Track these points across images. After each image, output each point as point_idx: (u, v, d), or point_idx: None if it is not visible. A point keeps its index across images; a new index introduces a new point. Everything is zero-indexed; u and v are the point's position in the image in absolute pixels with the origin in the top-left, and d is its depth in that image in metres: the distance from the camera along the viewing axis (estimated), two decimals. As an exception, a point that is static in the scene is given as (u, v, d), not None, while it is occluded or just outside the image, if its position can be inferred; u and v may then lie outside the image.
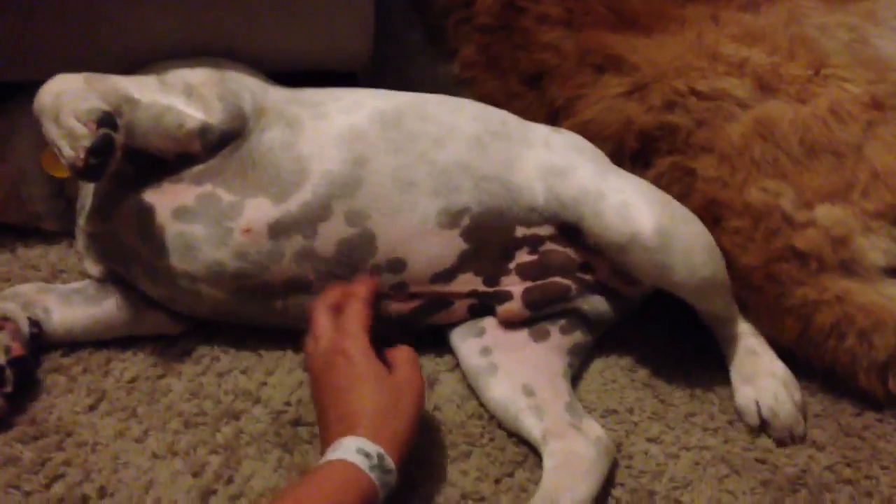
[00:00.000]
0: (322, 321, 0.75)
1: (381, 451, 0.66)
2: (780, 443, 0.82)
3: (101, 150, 0.68)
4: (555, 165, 0.83)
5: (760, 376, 0.83)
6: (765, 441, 0.82)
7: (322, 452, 0.69)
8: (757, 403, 0.82)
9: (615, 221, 0.78)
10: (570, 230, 0.82)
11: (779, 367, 0.84)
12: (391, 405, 0.70)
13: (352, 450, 0.65)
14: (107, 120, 0.69)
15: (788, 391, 0.82)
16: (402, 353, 0.75)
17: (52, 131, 0.70)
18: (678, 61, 0.91)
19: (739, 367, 0.84)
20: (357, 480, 0.64)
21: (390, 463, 0.66)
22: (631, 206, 0.78)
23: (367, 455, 0.65)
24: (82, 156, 0.67)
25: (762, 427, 0.82)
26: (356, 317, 0.75)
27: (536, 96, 1.01)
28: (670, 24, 0.95)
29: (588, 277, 0.85)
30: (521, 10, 1.04)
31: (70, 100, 0.70)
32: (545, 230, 0.83)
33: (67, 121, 0.68)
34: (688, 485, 0.78)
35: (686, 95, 0.89)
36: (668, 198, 0.83)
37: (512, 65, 1.04)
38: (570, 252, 0.84)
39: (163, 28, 0.84)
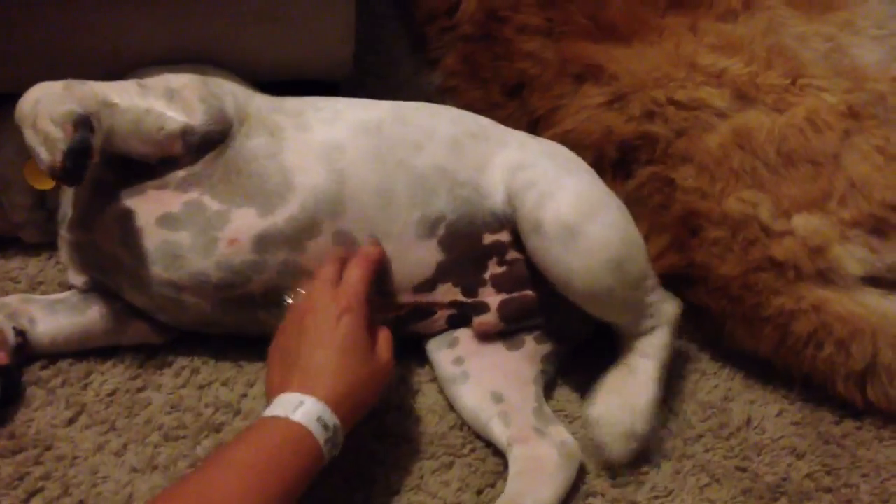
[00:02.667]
0: (331, 267, 0.75)
1: (339, 424, 0.66)
2: (602, 468, 0.79)
3: (77, 153, 0.68)
4: (518, 163, 0.82)
5: (616, 394, 0.80)
6: (745, 449, 0.82)
7: (270, 387, 0.69)
8: (596, 416, 0.79)
9: (530, 207, 0.78)
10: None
11: (641, 396, 0.79)
12: (364, 382, 0.70)
13: (313, 416, 0.65)
14: (83, 122, 0.69)
15: (632, 418, 0.78)
16: (382, 334, 0.75)
17: (30, 137, 0.70)
18: (657, 71, 0.91)
19: (608, 378, 0.81)
20: (309, 451, 0.64)
21: (341, 437, 0.67)
22: (551, 196, 0.77)
23: (326, 427, 0.65)
24: (59, 159, 0.68)
25: (592, 444, 0.79)
26: (364, 279, 0.74)
27: (518, 106, 1.02)
28: (649, 33, 0.96)
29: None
30: (502, 20, 1.04)
31: (47, 105, 0.70)
32: (505, 236, 0.83)
33: (44, 125, 0.69)
34: (669, 494, 0.79)
35: (665, 105, 0.89)
36: (609, 203, 0.80)
37: (493, 74, 1.05)
38: (525, 256, 0.83)
39: (146, 36, 0.84)
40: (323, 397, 0.66)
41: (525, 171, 0.81)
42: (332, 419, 0.66)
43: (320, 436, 0.65)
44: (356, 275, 0.74)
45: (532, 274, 0.84)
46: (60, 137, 0.68)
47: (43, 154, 0.69)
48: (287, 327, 0.73)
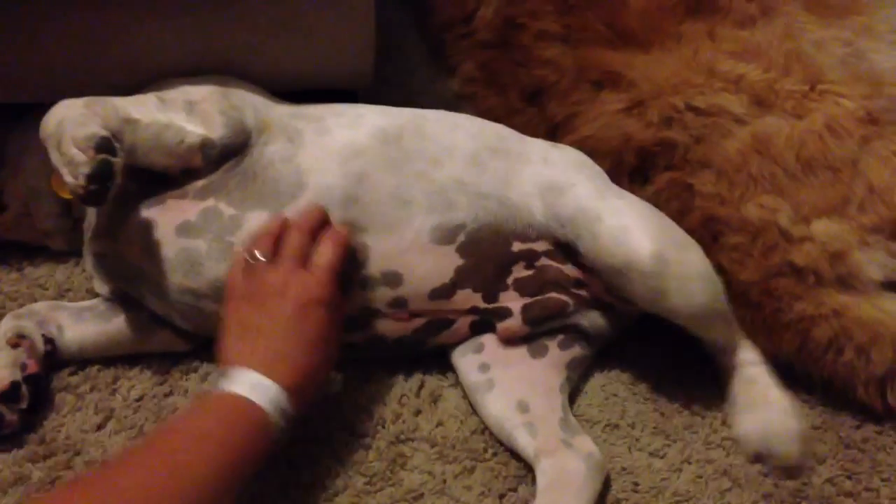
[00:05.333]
0: (298, 240, 0.74)
1: (294, 415, 0.68)
2: (780, 474, 0.80)
3: (99, 176, 0.70)
4: (553, 182, 0.84)
5: (758, 407, 0.82)
6: (765, 454, 0.83)
7: (225, 353, 0.69)
8: (755, 434, 0.81)
9: (611, 245, 0.79)
10: (565, 247, 0.83)
11: (777, 397, 0.82)
12: (322, 374, 0.72)
13: (276, 403, 0.66)
14: (104, 145, 0.70)
15: (786, 420, 0.81)
16: (340, 319, 0.75)
17: (55, 159, 0.72)
18: (675, 78, 0.91)
19: (738, 397, 0.83)
20: (267, 437, 0.66)
21: (291, 427, 0.68)
22: (628, 231, 0.79)
23: (285, 415, 0.67)
24: (82, 182, 0.69)
25: (759, 458, 0.81)
26: (335, 268, 0.74)
27: (536, 112, 1.02)
28: (667, 40, 0.96)
29: (583, 293, 0.85)
30: (519, 27, 1.05)
31: (70, 127, 0.71)
32: (541, 245, 0.84)
33: (68, 149, 0.70)
34: (690, 499, 0.79)
35: (683, 111, 0.89)
36: (666, 222, 0.83)
37: (511, 81, 1.05)
38: (565, 268, 0.84)
39: (169, 47, 0.85)
40: (284, 384, 0.67)
41: (567, 194, 0.82)
42: (291, 409, 0.67)
43: (278, 423, 0.66)
44: (328, 257, 0.74)
45: (563, 279, 0.85)
46: (83, 161, 0.69)
47: (67, 177, 0.70)
48: (246, 295, 0.72)
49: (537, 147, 0.88)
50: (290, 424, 0.68)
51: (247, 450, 0.65)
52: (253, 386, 0.67)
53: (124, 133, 0.75)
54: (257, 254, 0.74)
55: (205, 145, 0.80)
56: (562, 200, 0.82)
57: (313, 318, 0.71)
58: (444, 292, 0.83)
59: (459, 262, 0.82)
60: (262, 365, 0.68)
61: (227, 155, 0.81)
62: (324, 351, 0.72)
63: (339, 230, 0.78)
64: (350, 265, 0.78)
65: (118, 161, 0.71)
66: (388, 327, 0.83)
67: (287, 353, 0.69)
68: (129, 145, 0.76)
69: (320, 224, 0.77)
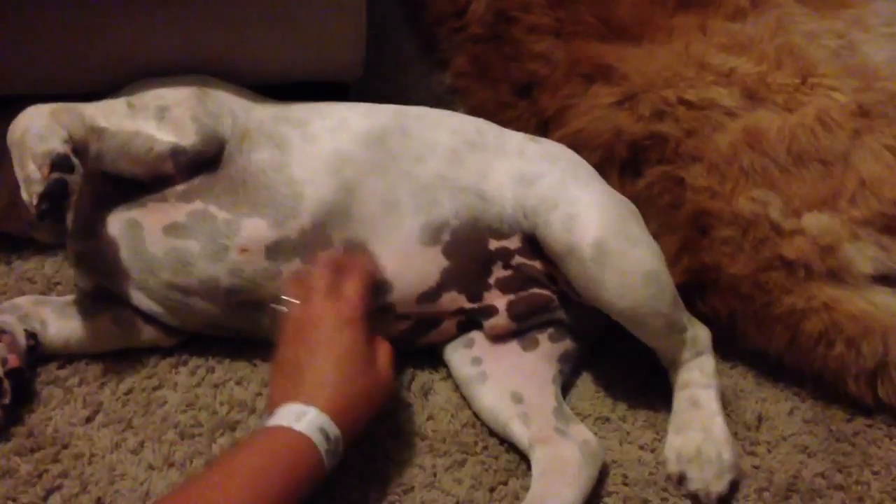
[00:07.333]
0: (325, 275, 0.75)
1: (340, 435, 0.67)
2: (694, 498, 0.77)
3: (52, 196, 0.69)
4: (524, 174, 0.83)
5: (692, 429, 0.79)
6: (757, 447, 0.83)
7: (272, 398, 0.70)
8: (678, 454, 0.78)
9: (559, 231, 0.78)
10: (533, 241, 0.83)
11: (716, 425, 0.79)
12: (365, 394, 0.71)
13: (315, 426, 0.66)
14: (61, 163, 0.69)
15: (716, 448, 0.77)
16: (383, 347, 0.75)
17: (17, 171, 0.71)
18: (667, 71, 0.92)
19: (676, 416, 0.81)
20: (312, 460, 0.65)
21: (342, 448, 0.68)
22: (577, 218, 0.78)
23: (328, 437, 0.66)
24: (35, 202, 0.69)
25: (680, 479, 0.78)
26: (363, 292, 0.75)
27: (527, 106, 1.02)
28: (659, 33, 0.96)
29: (558, 288, 0.85)
30: (511, 21, 1.05)
31: (31, 140, 0.70)
32: (513, 242, 0.84)
33: (26, 165, 0.70)
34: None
35: (675, 105, 0.90)
36: (627, 216, 0.81)
37: (503, 75, 1.06)
38: (536, 264, 0.84)
39: (156, 41, 0.85)
40: (325, 408, 0.67)
41: (535, 185, 0.82)
42: (333, 430, 0.67)
43: (322, 446, 0.66)
44: (355, 287, 0.75)
45: (539, 275, 0.84)
46: (38, 180, 0.69)
47: (23, 193, 0.70)
48: (288, 339, 0.73)
49: (515, 140, 0.88)
50: (338, 444, 0.67)
51: (288, 476, 0.64)
52: (289, 415, 0.67)
53: (90, 141, 0.74)
54: (288, 299, 0.75)
55: (175, 152, 0.79)
56: (529, 191, 0.82)
57: (348, 338, 0.71)
58: (431, 296, 0.83)
59: (445, 263, 0.82)
60: (303, 396, 0.68)
61: (199, 162, 0.80)
62: (365, 371, 0.72)
63: (363, 261, 0.79)
64: (378, 295, 0.79)
65: (74, 178, 0.70)
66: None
67: (326, 379, 0.69)
68: (95, 153, 0.75)
69: (342, 258, 0.78)
